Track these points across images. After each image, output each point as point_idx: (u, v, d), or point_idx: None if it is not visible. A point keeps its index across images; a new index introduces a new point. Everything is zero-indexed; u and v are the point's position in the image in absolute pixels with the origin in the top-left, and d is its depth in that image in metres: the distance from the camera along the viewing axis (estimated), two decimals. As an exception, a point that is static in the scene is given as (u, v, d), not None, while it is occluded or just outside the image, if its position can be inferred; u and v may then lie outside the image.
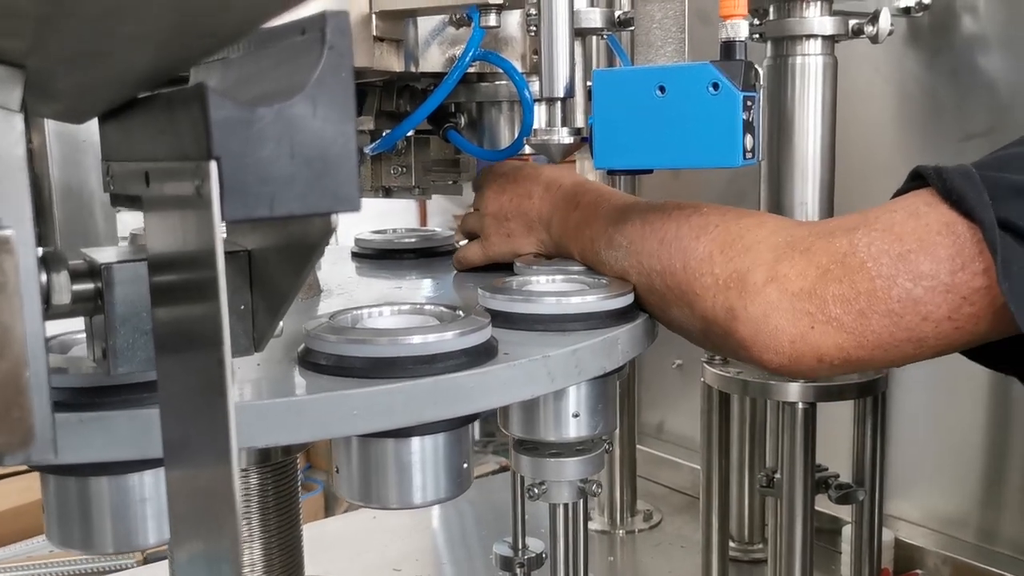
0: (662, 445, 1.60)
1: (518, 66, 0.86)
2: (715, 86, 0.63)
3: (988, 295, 0.58)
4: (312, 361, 0.54)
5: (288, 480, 0.85)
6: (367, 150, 0.92)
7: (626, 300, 0.67)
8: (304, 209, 0.35)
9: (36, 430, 0.35)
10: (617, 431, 1.41)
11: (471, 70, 0.85)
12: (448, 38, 0.85)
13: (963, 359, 1.16)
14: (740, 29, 0.64)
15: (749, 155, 0.64)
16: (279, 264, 0.43)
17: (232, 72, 0.37)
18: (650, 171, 0.69)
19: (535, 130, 0.75)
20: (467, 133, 0.94)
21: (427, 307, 0.63)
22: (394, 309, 0.63)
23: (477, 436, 4.22)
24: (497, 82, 0.92)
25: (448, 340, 0.54)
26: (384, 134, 0.90)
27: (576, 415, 0.67)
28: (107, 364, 0.43)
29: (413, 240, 1.06)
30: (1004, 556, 1.20)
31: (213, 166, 0.32)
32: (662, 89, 0.64)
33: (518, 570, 1.01)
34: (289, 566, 0.84)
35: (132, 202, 0.43)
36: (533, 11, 0.77)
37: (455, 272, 0.93)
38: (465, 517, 1.49)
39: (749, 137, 0.63)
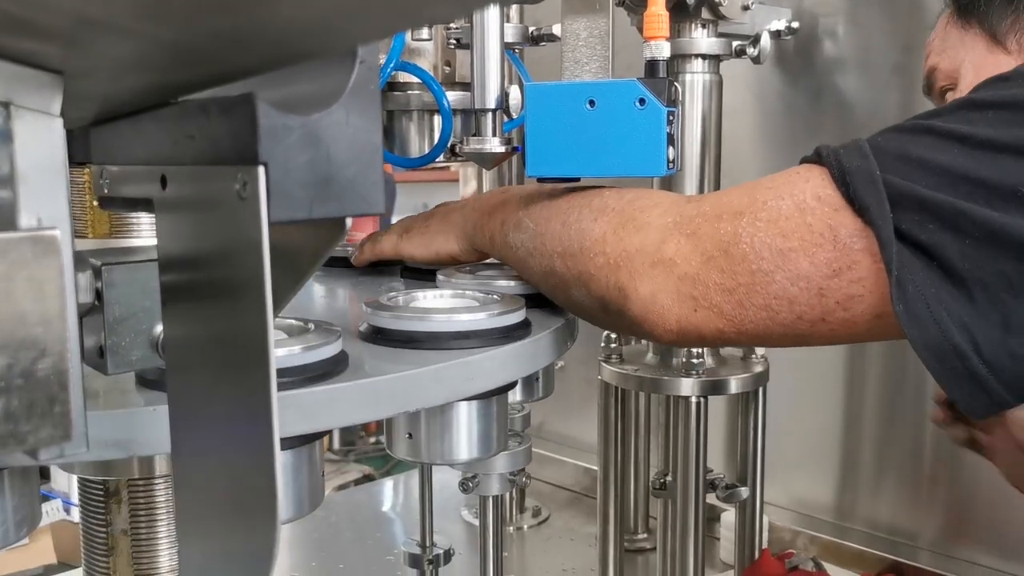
0: (544, 444, 1.66)
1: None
2: (641, 101, 0.68)
3: (863, 303, 0.60)
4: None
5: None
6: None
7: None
8: (339, 211, 0.37)
9: (74, 425, 0.36)
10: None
11: (383, 79, 0.88)
12: (366, 48, 0.87)
13: (822, 353, 1.26)
14: (663, 49, 0.69)
15: (671, 165, 0.69)
16: (278, 269, 0.45)
17: (261, 82, 0.39)
18: (577, 180, 0.73)
19: (467, 139, 0.78)
20: (378, 141, 0.95)
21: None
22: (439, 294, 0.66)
23: (337, 445, 4.19)
24: (409, 91, 0.95)
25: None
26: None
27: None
28: (103, 363, 0.44)
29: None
30: (861, 532, 1.31)
31: (261, 171, 0.35)
32: (592, 103, 0.69)
33: (427, 566, 1.04)
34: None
35: (131, 204, 0.44)
36: (454, 25, 0.81)
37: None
38: (347, 523, 1.50)
39: (671, 149, 0.69)
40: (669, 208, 0.66)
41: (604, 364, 1.11)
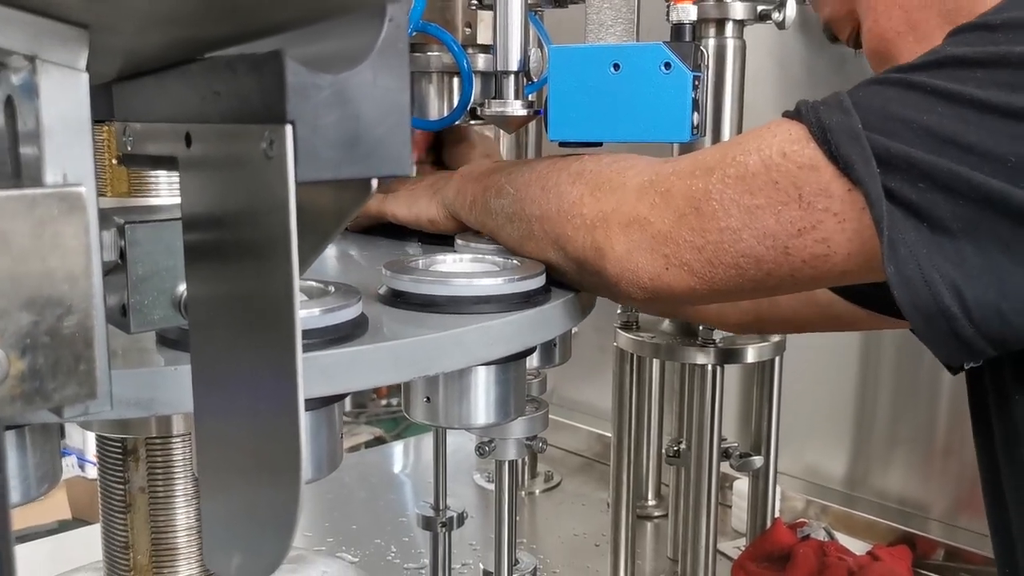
0: (557, 409, 1.66)
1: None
2: (667, 65, 0.67)
3: (829, 262, 0.59)
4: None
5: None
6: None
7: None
8: (366, 172, 0.36)
9: (99, 383, 0.35)
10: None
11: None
12: (387, 8, 0.86)
13: (836, 334, 1.25)
14: (689, 12, 0.68)
15: (696, 131, 0.68)
16: (302, 231, 0.45)
17: (289, 39, 0.38)
18: (600, 144, 0.72)
19: (488, 102, 0.77)
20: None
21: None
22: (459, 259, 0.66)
23: (348, 407, 4.22)
24: (429, 53, 0.94)
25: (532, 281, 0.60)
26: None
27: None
28: (126, 321, 0.44)
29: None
30: (872, 503, 1.32)
31: (288, 129, 0.34)
32: (616, 67, 0.68)
33: (440, 529, 1.04)
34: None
35: (155, 162, 0.44)
36: (477, -14, 0.80)
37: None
38: (361, 484, 1.51)
39: (696, 114, 0.68)
40: (644, 169, 0.66)
41: (620, 331, 1.11)
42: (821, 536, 1.14)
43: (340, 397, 0.58)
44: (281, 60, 0.34)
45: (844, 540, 1.19)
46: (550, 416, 1.61)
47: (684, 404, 1.08)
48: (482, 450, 0.75)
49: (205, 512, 0.41)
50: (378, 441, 3.52)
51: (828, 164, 0.57)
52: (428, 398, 0.66)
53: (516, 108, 0.75)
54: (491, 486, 1.44)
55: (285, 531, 0.36)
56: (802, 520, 1.21)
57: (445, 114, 0.92)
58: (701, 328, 1.03)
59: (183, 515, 0.81)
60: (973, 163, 0.54)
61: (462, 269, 0.68)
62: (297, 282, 0.35)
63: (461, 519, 1.05)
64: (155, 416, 0.68)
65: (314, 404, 0.56)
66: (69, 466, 3.67)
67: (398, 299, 0.64)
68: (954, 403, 1.22)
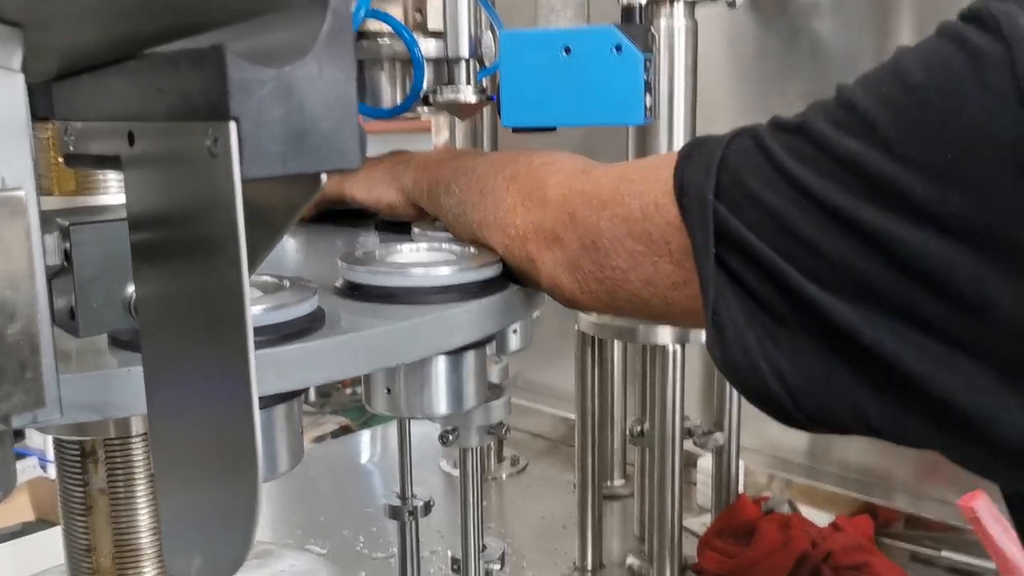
0: (521, 393, 1.67)
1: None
2: (618, 48, 0.67)
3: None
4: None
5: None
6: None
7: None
8: (314, 167, 0.36)
9: (46, 389, 0.35)
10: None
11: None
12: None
13: None
14: (639, -5, 0.68)
15: (649, 113, 0.68)
16: (253, 227, 0.44)
17: (231, 33, 0.38)
18: (554, 129, 0.72)
19: (440, 88, 0.77)
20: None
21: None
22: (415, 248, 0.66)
23: (313, 397, 4.20)
24: (381, 40, 0.93)
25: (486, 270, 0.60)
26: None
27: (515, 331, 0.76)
28: (75, 325, 0.43)
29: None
30: (835, 475, 1.33)
31: (232, 126, 0.33)
32: (567, 50, 0.68)
33: (407, 517, 1.04)
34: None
35: (98, 162, 0.43)
36: (425, -29, 0.79)
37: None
38: (326, 476, 1.51)
39: (649, 96, 0.68)
40: (563, 179, 0.64)
41: (581, 314, 1.11)
42: (784, 509, 1.16)
43: (299, 392, 0.57)
44: (222, 55, 0.33)
45: (807, 512, 1.21)
46: (515, 401, 1.62)
47: (645, 384, 1.08)
48: (445, 438, 0.75)
49: (164, 515, 0.40)
50: (344, 430, 3.50)
51: (684, 226, 0.55)
52: (388, 389, 0.66)
53: (468, 94, 0.74)
54: (457, 472, 1.44)
55: (245, 530, 0.35)
56: (766, 495, 1.23)
57: (399, 102, 0.92)
58: (661, 308, 1.04)
59: (145, 516, 0.80)
60: (801, 262, 0.50)
61: (419, 259, 0.68)
62: (247, 280, 0.35)
63: (428, 507, 1.04)
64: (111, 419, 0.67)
65: (272, 400, 0.55)
66: (31, 467, 3.62)
67: (355, 292, 0.64)
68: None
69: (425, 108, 0.91)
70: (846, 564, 1.04)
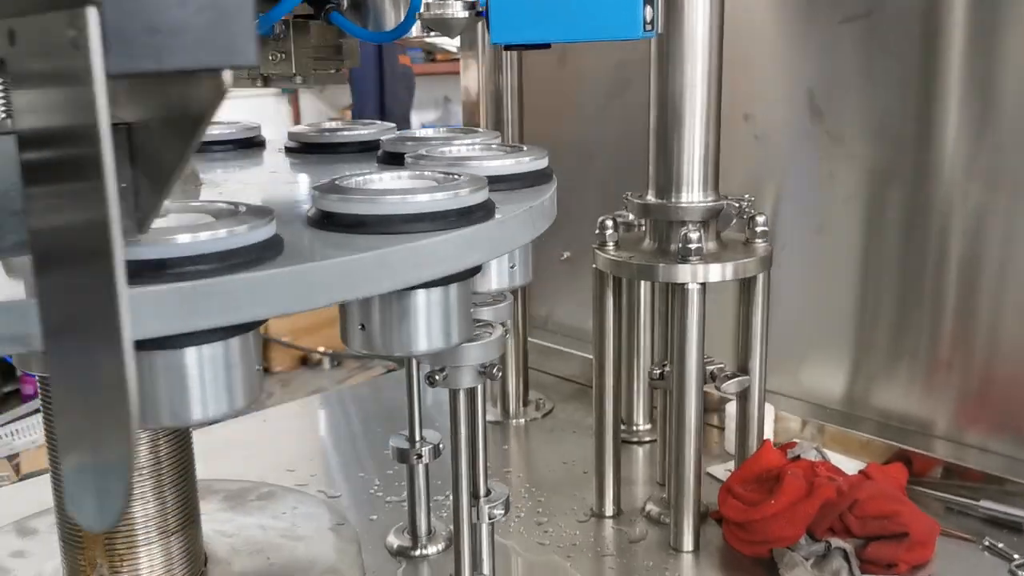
0: (550, 336, 1.62)
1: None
2: (612, -46, 0.61)
3: None
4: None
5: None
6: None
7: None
8: (195, 63, 0.32)
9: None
10: (509, 322, 1.42)
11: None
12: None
13: (836, 237, 1.20)
14: None
15: (649, 27, 0.63)
16: (163, 137, 0.40)
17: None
18: (548, 46, 0.67)
19: (427, 4, 0.71)
20: (351, 15, 0.89)
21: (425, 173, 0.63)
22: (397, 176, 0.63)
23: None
24: (379, -40, 0.87)
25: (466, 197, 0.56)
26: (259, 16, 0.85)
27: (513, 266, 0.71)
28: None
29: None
30: (871, 421, 1.27)
31: (92, 12, 0.29)
32: (558, -42, 0.62)
33: (415, 460, 1.01)
34: (181, 469, 0.82)
35: (-7, 67, 0.39)
36: None
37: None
38: (352, 419, 1.49)
39: (649, 8, 0.62)
40: None
41: (597, 251, 1.06)
42: (812, 456, 1.10)
43: (254, 325, 0.54)
44: (77, -71, 0.29)
45: (839, 460, 1.16)
46: (543, 343, 1.58)
47: (667, 325, 1.03)
48: (432, 379, 0.71)
49: (61, 458, 0.37)
50: (390, 372, 3.50)
51: None
52: (363, 325, 0.62)
53: (457, 10, 0.69)
54: (496, 416, 1.41)
55: (122, 474, 0.32)
56: (793, 441, 1.17)
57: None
58: (681, 245, 0.98)
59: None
60: None
61: (396, 186, 0.64)
62: (116, 202, 0.31)
63: (437, 451, 1.01)
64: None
65: (223, 333, 0.52)
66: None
67: (326, 221, 0.60)
68: (959, 315, 1.17)
69: (429, 32, 0.86)
70: (873, 513, 0.98)
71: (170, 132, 0.38)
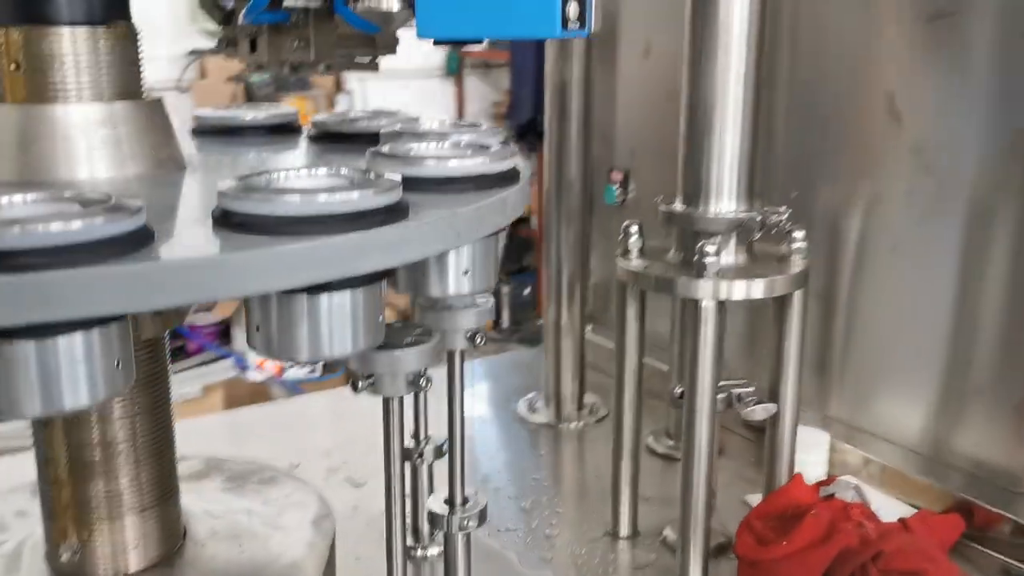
0: (609, 333, 1.56)
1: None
2: (532, -55, 0.56)
3: None
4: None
5: (159, 358, 0.84)
6: (245, 19, 0.86)
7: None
8: None
9: None
10: (564, 322, 1.37)
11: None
12: None
13: (931, 268, 1.03)
14: None
15: (573, 25, 0.57)
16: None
17: None
18: (479, 42, 0.63)
19: (363, -4, 0.69)
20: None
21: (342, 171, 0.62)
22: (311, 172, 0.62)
23: (507, 324, 4.23)
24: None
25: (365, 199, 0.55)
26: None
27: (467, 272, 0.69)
28: None
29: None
30: (941, 465, 1.13)
31: None
32: (481, -51, 0.58)
33: (417, 460, 0.99)
34: (157, 446, 0.83)
35: None
36: None
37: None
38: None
39: (573, 5, 0.57)
40: None
41: (619, 259, 1.00)
42: (848, 496, 1.01)
43: (116, 319, 0.53)
44: None
45: (886, 503, 1.05)
46: (601, 342, 1.52)
47: (684, 343, 0.97)
48: (355, 385, 0.68)
49: None
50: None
51: None
52: (258, 327, 0.60)
53: (392, 4, 0.66)
54: (537, 419, 1.38)
55: None
56: (832, 476, 1.07)
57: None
58: (697, 259, 0.91)
59: (96, 432, 0.80)
60: None
61: (302, 185, 0.61)
62: None
63: (440, 452, 0.99)
64: None
65: (81, 326, 0.51)
66: (227, 368, 3.90)
67: (224, 220, 0.58)
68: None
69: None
70: (899, 569, 0.89)
71: None
